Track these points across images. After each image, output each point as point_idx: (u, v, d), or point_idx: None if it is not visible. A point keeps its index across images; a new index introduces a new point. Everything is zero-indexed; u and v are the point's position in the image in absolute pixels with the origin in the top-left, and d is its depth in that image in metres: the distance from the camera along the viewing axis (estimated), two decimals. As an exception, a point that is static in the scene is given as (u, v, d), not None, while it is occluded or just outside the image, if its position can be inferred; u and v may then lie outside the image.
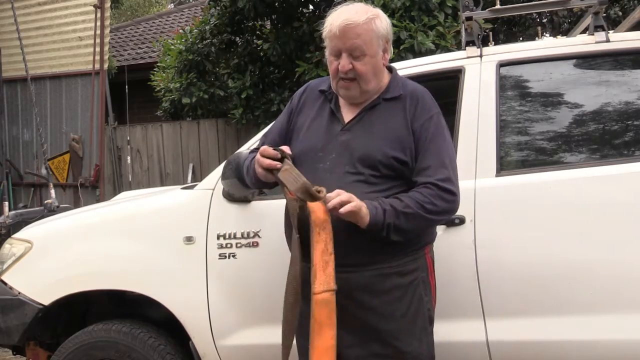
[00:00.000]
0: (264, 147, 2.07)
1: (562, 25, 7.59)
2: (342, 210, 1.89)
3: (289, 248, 2.19)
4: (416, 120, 2.07)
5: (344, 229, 1.98)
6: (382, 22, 2.08)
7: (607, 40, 2.67)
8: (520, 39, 7.81)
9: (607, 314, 2.39)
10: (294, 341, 2.10)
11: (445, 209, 2.04)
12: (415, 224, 2.00)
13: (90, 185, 7.55)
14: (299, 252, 1.97)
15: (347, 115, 2.13)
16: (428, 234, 2.19)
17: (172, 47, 7.87)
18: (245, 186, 2.31)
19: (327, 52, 2.11)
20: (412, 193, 2.01)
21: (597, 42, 2.68)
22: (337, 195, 1.91)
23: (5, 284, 2.92)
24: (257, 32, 7.57)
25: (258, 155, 2.06)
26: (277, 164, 2.01)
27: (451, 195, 2.04)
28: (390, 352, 2.03)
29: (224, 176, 2.56)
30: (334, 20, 2.03)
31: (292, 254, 2.01)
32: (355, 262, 2.03)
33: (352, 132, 2.08)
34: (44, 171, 7.61)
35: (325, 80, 2.23)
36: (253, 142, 2.72)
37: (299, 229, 1.99)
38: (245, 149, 2.65)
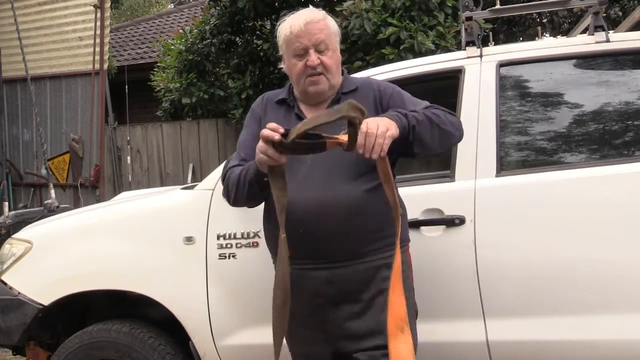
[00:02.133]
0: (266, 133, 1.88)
1: (562, 25, 7.59)
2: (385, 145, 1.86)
3: (269, 249, 2.21)
4: (383, 99, 2.14)
5: (333, 223, 2.00)
6: (332, 21, 2.18)
7: (607, 40, 2.67)
8: (520, 39, 7.81)
9: (607, 313, 2.39)
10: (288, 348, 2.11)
11: (454, 122, 2.10)
12: (434, 132, 2.03)
13: (90, 185, 7.55)
14: (286, 253, 1.92)
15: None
16: (405, 230, 2.20)
17: (172, 47, 7.87)
18: (235, 203, 2.19)
19: (287, 58, 2.15)
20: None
21: (597, 42, 2.68)
22: (374, 125, 1.86)
23: (5, 284, 2.92)
24: (257, 32, 7.58)
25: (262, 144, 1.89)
26: (277, 136, 1.84)
27: (454, 117, 2.12)
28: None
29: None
30: (295, 22, 2.10)
31: (279, 255, 1.95)
32: (347, 257, 2.05)
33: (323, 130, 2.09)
34: (44, 171, 7.61)
35: (280, 91, 2.27)
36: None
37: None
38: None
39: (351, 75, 2.33)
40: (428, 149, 2.04)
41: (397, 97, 2.15)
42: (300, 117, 2.13)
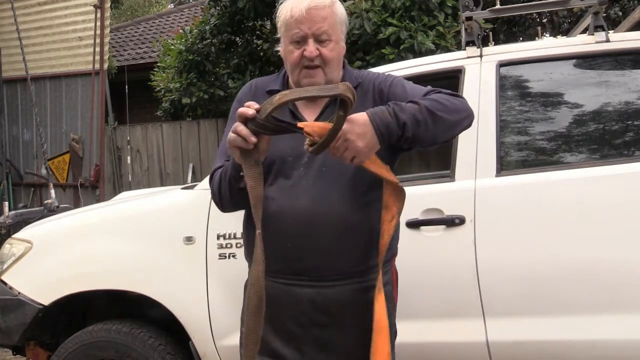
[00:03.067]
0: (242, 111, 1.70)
1: (562, 25, 7.58)
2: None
3: (245, 253, 2.04)
4: (382, 91, 1.94)
5: (325, 238, 1.83)
6: (341, 8, 1.95)
7: (607, 40, 2.67)
8: (520, 39, 7.80)
9: (607, 313, 2.39)
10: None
11: (459, 107, 1.86)
12: (437, 127, 1.81)
13: (90, 185, 7.56)
14: (262, 251, 1.73)
15: (308, 114, 1.92)
16: (395, 244, 2.03)
17: (172, 47, 7.87)
18: (224, 206, 2.04)
19: (284, 42, 1.93)
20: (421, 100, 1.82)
21: (597, 42, 2.68)
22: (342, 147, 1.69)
23: (5, 284, 2.92)
24: (257, 32, 7.57)
25: (236, 129, 1.70)
26: (252, 112, 1.67)
27: (460, 98, 1.89)
28: None
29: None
30: (297, 4, 1.87)
31: (255, 253, 1.75)
32: (335, 276, 1.86)
33: None
34: (44, 171, 7.61)
35: (272, 79, 2.05)
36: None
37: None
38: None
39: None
40: (429, 144, 1.86)
41: (397, 85, 1.96)
42: (293, 113, 1.92)
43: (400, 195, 1.85)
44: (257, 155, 1.73)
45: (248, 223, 1.97)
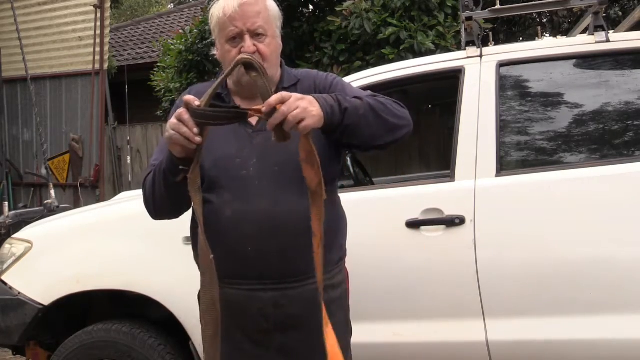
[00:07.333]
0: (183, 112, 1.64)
1: (562, 25, 7.58)
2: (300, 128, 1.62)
3: (195, 258, 1.91)
4: (323, 91, 1.89)
5: (286, 239, 1.78)
6: (273, 4, 1.94)
7: (607, 40, 2.67)
8: (520, 39, 7.80)
9: (608, 313, 2.39)
10: None
11: (401, 114, 1.85)
12: (377, 125, 1.80)
13: (90, 185, 7.56)
14: (215, 274, 1.67)
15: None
16: (345, 244, 1.99)
17: (172, 47, 7.87)
18: (158, 211, 1.96)
19: (219, 44, 1.90)
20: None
21: (597, 42, 2.68)
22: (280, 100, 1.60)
23: (5, 284, 2.92)
24: (257, 32, 7.56)
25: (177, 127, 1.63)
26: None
27: (403, 108, 1.87)
28: None
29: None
30: (229, 2, 1.85)
31: (209, 276, 1.67)
32: (297, 277, 1.81)
33: (266, 133, 1.73)
34: (44, 171, 7.62)
35: (207, 85, 1.96)
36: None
37: None
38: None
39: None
40: (367, 142, 1.83)
41: (337, 85, 1.93)
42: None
43: (321, 221, 1.71)
44: (198, 169, 1.68)
45: (195, 226, 1.89)
